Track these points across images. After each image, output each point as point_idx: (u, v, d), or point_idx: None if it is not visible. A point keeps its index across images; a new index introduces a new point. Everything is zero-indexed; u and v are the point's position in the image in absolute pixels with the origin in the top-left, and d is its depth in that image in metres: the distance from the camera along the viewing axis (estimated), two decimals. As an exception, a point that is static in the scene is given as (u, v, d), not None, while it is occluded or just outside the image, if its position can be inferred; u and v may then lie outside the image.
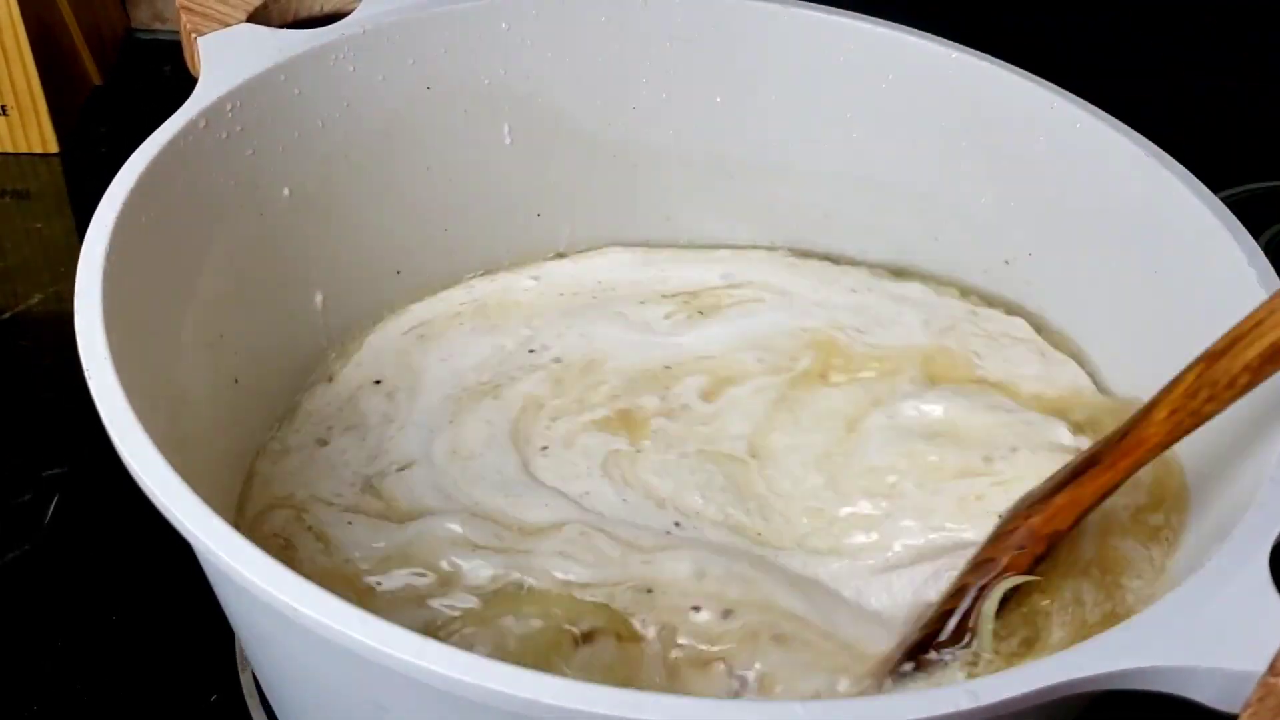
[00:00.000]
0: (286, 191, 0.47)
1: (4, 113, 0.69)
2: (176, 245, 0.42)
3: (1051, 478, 0.40)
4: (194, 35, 0.46)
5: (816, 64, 0.52)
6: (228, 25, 0.46)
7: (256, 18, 0.48)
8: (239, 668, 0.46)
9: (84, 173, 0.70)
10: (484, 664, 0.27)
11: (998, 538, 0.40)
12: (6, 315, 0.61)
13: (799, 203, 0.55)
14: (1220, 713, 0.29)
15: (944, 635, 0.38)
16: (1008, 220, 0.50)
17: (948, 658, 0.38)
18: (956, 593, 0.40)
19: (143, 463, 0.32)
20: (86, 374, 0.34)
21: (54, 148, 0.70)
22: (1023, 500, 0.40)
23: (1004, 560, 0.39)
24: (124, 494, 0.51)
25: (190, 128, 0.43)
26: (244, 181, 0.45)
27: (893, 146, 0.52)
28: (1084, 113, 0.47)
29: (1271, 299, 0.35)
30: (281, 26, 0.48)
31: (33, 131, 0.70)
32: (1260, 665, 0.28)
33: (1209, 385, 0.35)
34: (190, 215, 0.43)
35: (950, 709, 0.27)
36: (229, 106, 0.44)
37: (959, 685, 0.28)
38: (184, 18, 0.47)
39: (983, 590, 0.39)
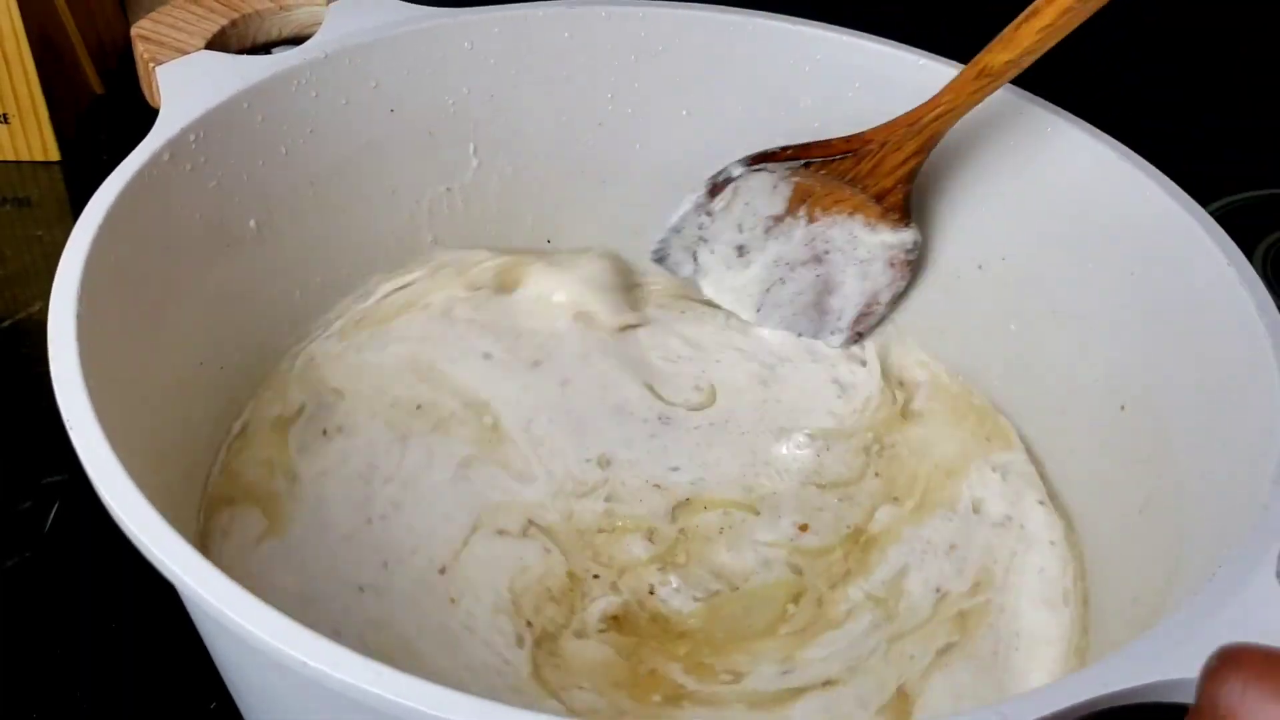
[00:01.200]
0: (253, 223, 0.47)
1: (5, 120, 0.69)
2: (146, 280, 0.42)
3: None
4: (152, 65, 0.45)
5: (782, 73, 0.52)
6: (186, 53, 0.46)
7: (215, 44, 0.47)
8: None
9: (85, 180, 0.68)
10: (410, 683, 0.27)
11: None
12: (7, 323, 0.61)
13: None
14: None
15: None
16: (981, 224, 0.51)
17: None
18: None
19: (101, 471, 0.34)
20: (67, 425, 0.35)
21: (55, 155, 0.70)
22: None
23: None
24: None
25: (155, 160, 0.42)
26: (210, 213, 0.45)
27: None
28: (1055, 116, 0.47)
29: None
30: (240, 53, 0.48)
31: (34, 139, 0.70)
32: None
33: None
34: (158, 250, 0.43)
35: (981, 731, 0.27)
36: (192, 137, 0.43)
37: (988, 708, 0.27)
38: (140, 47, 0.46)
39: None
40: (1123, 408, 0.45)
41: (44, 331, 0.59)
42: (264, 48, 0.49)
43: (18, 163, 0.71)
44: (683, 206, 0.52)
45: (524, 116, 0.52)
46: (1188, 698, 0.29)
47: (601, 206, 0.56)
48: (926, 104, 0.47)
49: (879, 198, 0.50)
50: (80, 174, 0.70)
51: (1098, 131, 0.47)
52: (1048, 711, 0.28)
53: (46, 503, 0.52)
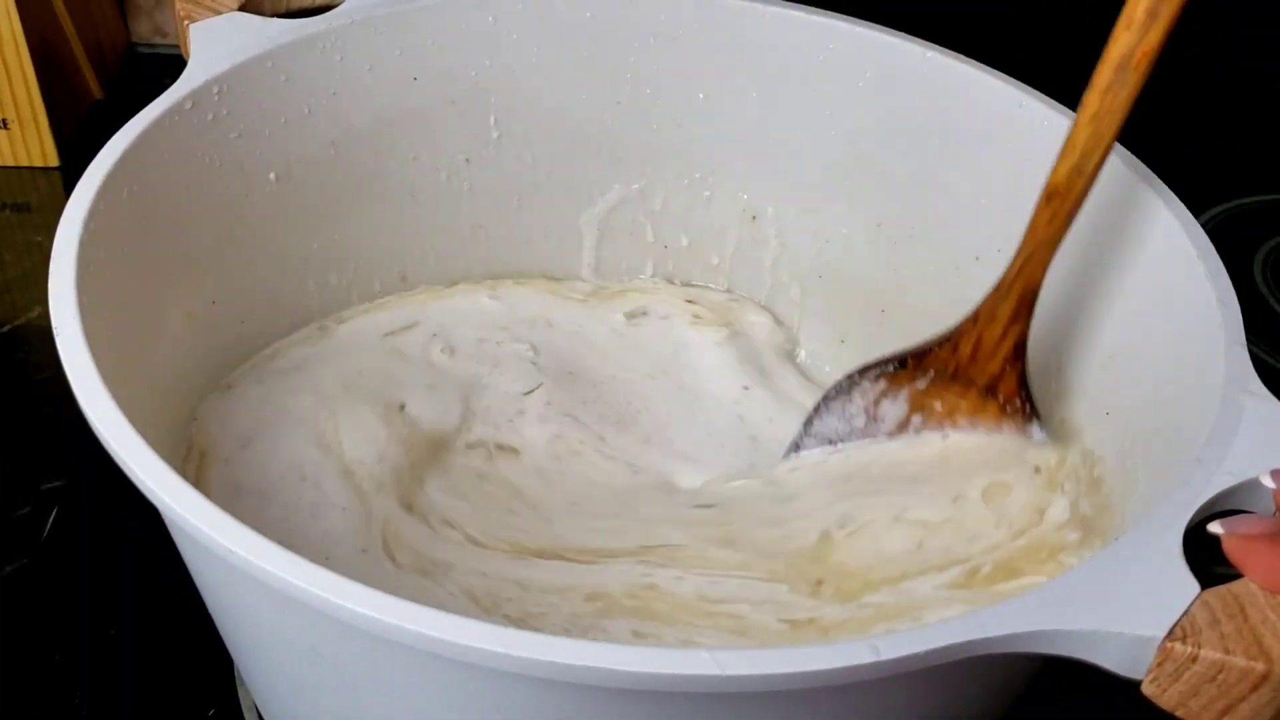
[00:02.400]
0: (273, 176, 0.48)
1: (4, 126, 0.69)
2: (159, 219, 0.43)
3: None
4: (186, 22, 0.47)
5: (796, 62, 0.52)
6: (219, 12, 0.47)
7: (249, 7, 0.48)
8: (237, 683, 0.47)
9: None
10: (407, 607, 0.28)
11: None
12: (6, 328, 0.61)
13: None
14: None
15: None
16: (979, 216, 0.51)
17: None
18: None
19: (96, 408, 0.33)
20: (55, 333, 0.35)
21: (54, 161, 0.71)
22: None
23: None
24: (122, 507, 0.51)
25: (177, 108, 0.43)
26: (229, 162, 0.46)
27: (869, 143, 0.53)
28: (1051, 111, 0.47)
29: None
30: (273, 16, 0.49)
31: (33, 145, 0.70)
32: (1163, 631, 0.29)
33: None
34: (174, 191, 0.44)
35: (851, 662, 0.28)
36: (215, 90, 0.45)
37: (863, 640, 0.28)
38: (178, 6, 0.48)
39: None
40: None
41: (43, 337, 0.58)
42: (298, 13, 0.50)
43: (17, 168, 0.71)
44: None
45: (543, 92, 0.53)
46: (1071, 650, 0.29)
47: (616, 185, 0.56)
48: (1011, 262, 0.43)
49: (990, 388, 0.46)
50: (79, 180, 0.70)
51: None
52: (920, 649, 0.28)
53: (45, 508, 0.52)
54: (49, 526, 0.52)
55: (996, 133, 0.49)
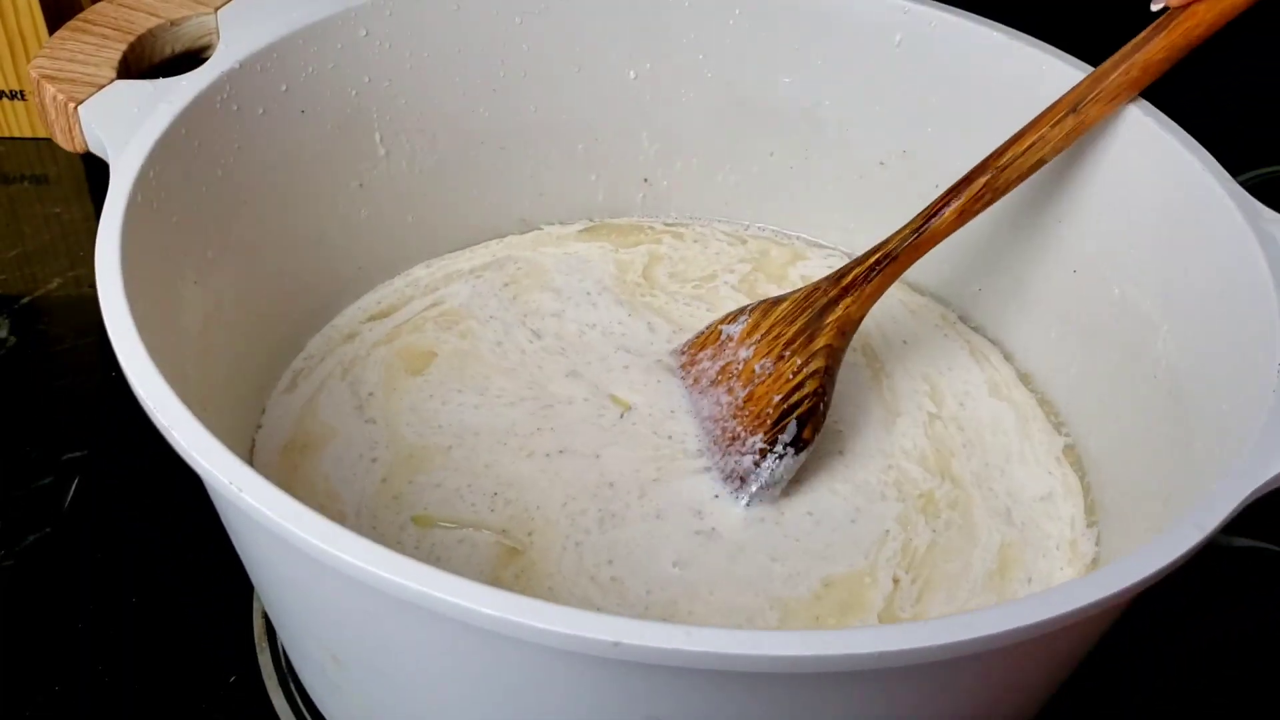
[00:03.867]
0: (210, 254, 0.45)
1: (21, 97, 0.69)
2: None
3: (845, 272, 0.47)
4: (72, 105, 0.42)
5: (671, 24, 0.52)
6: (100, 85, 0.43)
7: (128, 68, 0.45)
8: (257, 650, 0.47)
9: (102, 159, 0.70)
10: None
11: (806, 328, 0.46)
12: (26, 300, 0.62)
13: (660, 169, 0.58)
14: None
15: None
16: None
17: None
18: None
19: (156, 399, 0.33)
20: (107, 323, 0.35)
21: None
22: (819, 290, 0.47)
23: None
24: (143, 477, 0.53)
25: (131, 205, 0.40)
26: (176, 252, 0.43)
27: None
28: (1077, 70, 0.47)
29: (1038, 121, 0.45)
30: (139, 76, 0.46)
31: None
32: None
33: (990, 190, 0.45)
34: (155, 273, 0.41)
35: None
36: (151, 174, 0.41)
37: (869, 628, 0.29)
38: (49, 90, 0.43)
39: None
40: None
41: (64, 309, 0.59)
42: (161, 66, 0.47)
43: (35, 139, 0.71)
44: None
45: (422, 95, 0.52)
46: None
47: (505, 173, 0.56)
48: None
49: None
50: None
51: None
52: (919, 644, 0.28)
53: (66, 479, 0.52)
54: (70, 496, 0.52)
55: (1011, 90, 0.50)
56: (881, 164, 0.55)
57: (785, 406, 0.45)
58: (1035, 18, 0.52)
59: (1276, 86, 0.76)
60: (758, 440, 0.46)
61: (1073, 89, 0.45)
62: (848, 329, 0.47)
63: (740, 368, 0.48)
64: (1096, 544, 0.46)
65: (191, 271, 0.44)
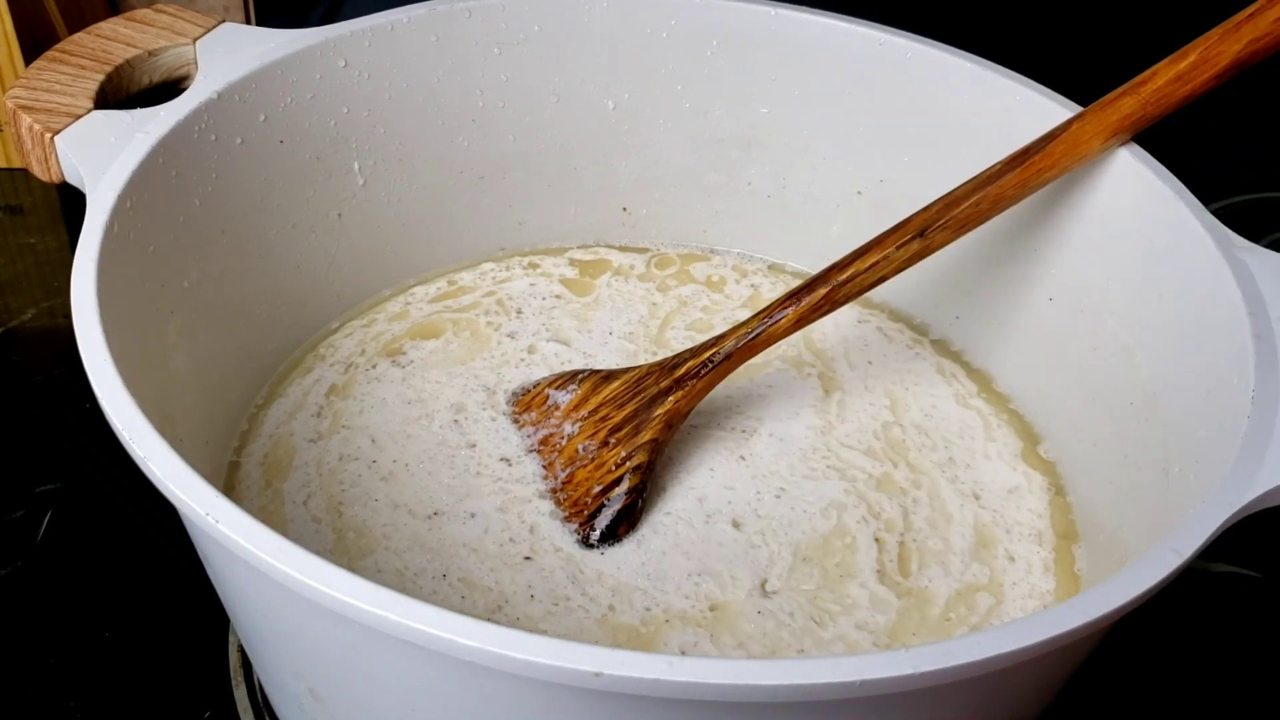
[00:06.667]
0: (186, 284, 0.45)
1: None
2: None
3: (678, 362, 0.47)
4: (48, 135, 0.42)
5: (649, 49, 0.53)
6: (77, 115, 0.43)
7: (105, 98, 0.45)
8: (233, 684, 0.46)
9: (78, 189, 0.69)
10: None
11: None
12: (0, 331, 0.61)
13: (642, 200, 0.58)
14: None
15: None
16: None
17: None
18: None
19: (131, 430, 0.33)
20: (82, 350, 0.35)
21: None
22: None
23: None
24: (116, 510, 0.52)
25: (108, 235, 0.39)
26: (153, 281, 0.43)
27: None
28: (1053, 103, 0.48)
29: (884, 240, 0.45)
30: (117, 106, 0.45)
31: None
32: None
33: (829, 302, 0.45)
34: (131, 304, 0.41)
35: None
36: (128, 204, 0.41)
37: (898, 650, 0.28)
38: (25, 120, 0.42)
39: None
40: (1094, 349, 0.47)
41: (37, 340, 0.59)
42: (139, 97, 0.47)
43: (10, 170, 0.70)
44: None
45: (400, 126, 0.52)
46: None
47: (484, 202, 0.56)
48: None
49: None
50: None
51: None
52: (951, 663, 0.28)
53: (39, 512, 0.52)
54: (43, 529, 0.52)
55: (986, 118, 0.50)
56: (859, 193, 0.55)
57: (605, 499, 0.45)
58: (1013, 50, 0.52)
59: (1248, 112, 0.76)
60: (574, 525, 0.46)
61: (921, 211, 0.45)
62: (675, 422, 0.47)
63: (564, 443, 0.47)
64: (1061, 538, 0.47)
65: (168, 301, 0.44)
